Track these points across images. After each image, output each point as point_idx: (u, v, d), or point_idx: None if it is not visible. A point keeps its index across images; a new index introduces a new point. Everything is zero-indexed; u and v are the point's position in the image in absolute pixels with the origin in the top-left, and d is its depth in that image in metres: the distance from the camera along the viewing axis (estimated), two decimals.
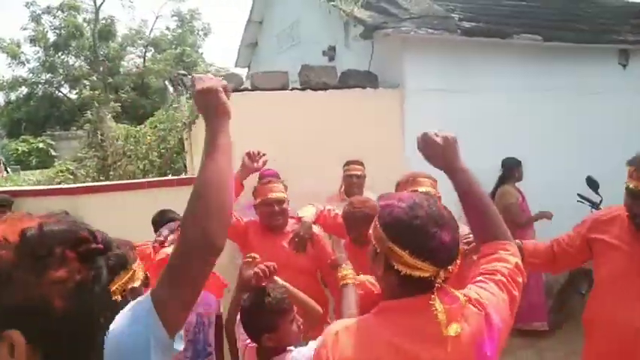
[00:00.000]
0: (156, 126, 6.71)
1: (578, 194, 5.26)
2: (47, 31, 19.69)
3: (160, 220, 3.47)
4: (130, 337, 1.01)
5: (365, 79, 5.11)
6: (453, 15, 5.48)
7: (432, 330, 1.27)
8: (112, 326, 0.97)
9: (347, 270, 2.16)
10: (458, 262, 1.36)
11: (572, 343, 4.46)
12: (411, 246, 1.30)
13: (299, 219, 3.20)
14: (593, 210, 5.22)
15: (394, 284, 1.35)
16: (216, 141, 1.22)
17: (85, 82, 20.50)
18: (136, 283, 1.09)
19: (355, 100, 4.97)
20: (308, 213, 3.25)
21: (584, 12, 7.30)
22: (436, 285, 1.31)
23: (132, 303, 1.05)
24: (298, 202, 4.19)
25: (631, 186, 2.13)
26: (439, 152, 1.62)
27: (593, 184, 5.24)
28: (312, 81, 4.96)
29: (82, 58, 20.17)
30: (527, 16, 6.35)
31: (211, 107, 1.28)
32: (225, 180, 1.16)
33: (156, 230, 3.37)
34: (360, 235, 2.67)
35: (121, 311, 1.01)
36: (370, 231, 1.43)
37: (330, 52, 6.08)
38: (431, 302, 1.28)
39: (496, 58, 5.64)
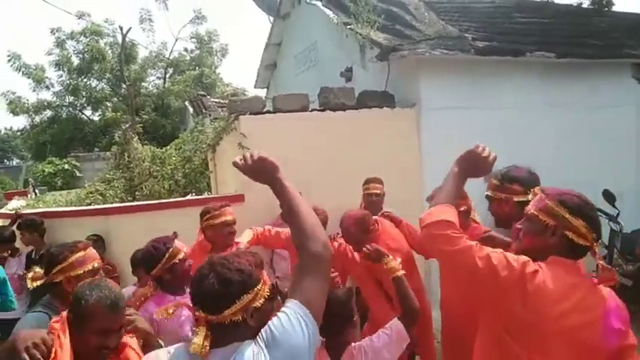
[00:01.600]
0: (181, 147, 6.95)
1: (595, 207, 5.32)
2: (71, 56, 20.33)
3: None
4: (302, 338, 1.46)
5: (382, 99, 5.28)
6: (466, 35, 5.64)
7: (586, 282, 1.83)
8: (277, 332, 1.44)
9: (392, 262, 2.60)
10: None
11: None
12: (587, 220, 1.83)
13: (237, 243, 3.48)
14: (611, 223, 5.28)
15: (561, 248, 1.84)
16: (290, 194, 1.84)
17: (108, 104, 21.08)
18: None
19: (373, 120, 5.14)
20: (244, 237, 3.65)
21: (598, 27, 7.41)
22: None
23: (288, 311, 1.49)
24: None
25: (487, 193, 2.73)
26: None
27: (610, 197, 5.30)
28: (330, 102, 5.15)
29: (105, 80, 20.75)
30: (541, 33, 6.48)
31: (266, 172, 1.84)
32: (314, 216, 1.78)
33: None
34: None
35: (279, 317, 1.47)
36: (537, 211, 1.91)
37: (348, 74, 6.27)
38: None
39: (510, 74, 5.77)
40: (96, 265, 2.31)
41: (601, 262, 1.87)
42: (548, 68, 5.92)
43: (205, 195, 6.62)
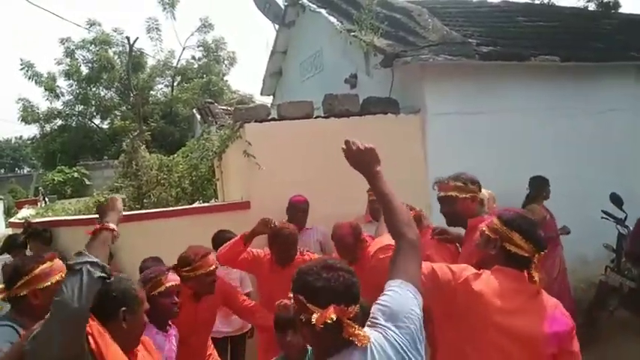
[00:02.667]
0: (187, 155, 7.01)
1: (603, 211, 5.30)
2: (80, 65, 20.59)
3: (217, 238, 4.09)
4: (414, 303, 1.62)
5: (386, 106, 5.29)
6: (470, 40, 5.65)
7: (528, 289, 2.04)
8: (391, 305, 1.57)
9: None
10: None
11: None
12: (522, 233, 2.05)
13: None
14: (618, 226, 5.25)
15: (502, 259, 2.07)
16: (387, 188, 1.95)
17: (116, 112, 21.31)
18: None
19: (377, 126, 5.15)
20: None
21: (603, 30, 7.38)
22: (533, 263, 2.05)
23: (395, 288, 1.64)
24: (324, 224, 4.40)
25: (450, 194, 3.01)
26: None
27: (617, 200, 5.28)
28: (335, 109, 5.17)
29: (113, 89, 20.99)
30: (545, 37, 6.48)
31: (369, 164, 1.95)
32: (406, 209, 1.95)
33: (215, 247, 3.80)
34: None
35: (388, 294, 1.61)
36: (485, 227, 2.18)
37: (352, 80, 6.29)
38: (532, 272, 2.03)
39: (514, 79, 5.77)
40: (63, 276, 2.03)
41: (537, 273, 2.07)
42: (553, 72, 5.91)
43: (212, 202, 6.67)
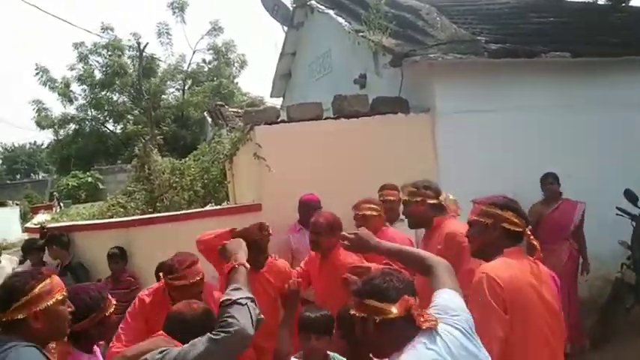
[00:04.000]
0: (199, 158, 7.07)
1: (617, 207, 5.24)
2: (94, 70, 20.83)
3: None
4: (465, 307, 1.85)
5: (396, 105, 5.29)
6: (479, 38, 5.62)
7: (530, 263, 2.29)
8: (444, 301, 1.80)
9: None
10: None
11: (618, 358, 4.44)
12: (514, 210, 2.33)
13: None
14: (633, 223, 5.19)
15: (503, 238, 2.30)
16: (394, 248, 2.45)
17: (129, 116, 21.52)
18: None
19: (387, 126, 5.15)
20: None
21: (614, 24, 7.29)
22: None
23: (444, 292, 1.86)
24: None
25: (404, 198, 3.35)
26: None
27: (632, 197, 5.21)
28: (344, 109, 5.17)
29: (126, 94, 21.20)
30: (555, 33, 6.41)
31: (366, 245, 2.45)
32: (412, 249, 2.52)
33: None
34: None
35: (441, 296, 1.83)
36: (476, 216, 2.39)
37: (361, 80, 6.29)
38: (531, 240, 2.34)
39: (525, 75, 5.72)
40: (64, 294, 1.95)
41: (532, 238, 2.34)
42: (565, 68, 5.85)
43: (225, 204, 6.72)
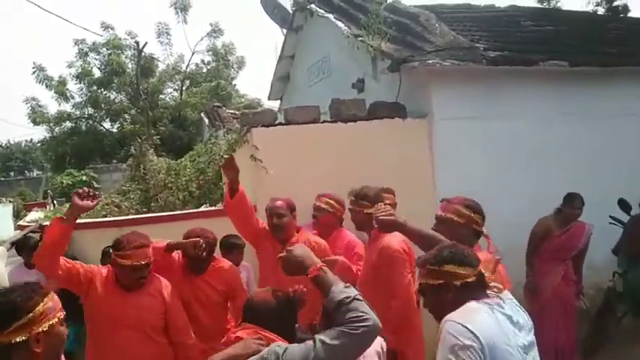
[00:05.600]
0: (195, 159, 7.05)
1: (610, 216, 5.27)
2: (92, 68, 20.74)
3: (224, 243, 4.38)
4: None
5: (393, 110, 5.29)
6: (477, 45, 5.64)
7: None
8: None
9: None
10: None
11: None
12: (480, 214, 2.78)
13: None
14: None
15: (471, 236, 2.71)
16: (422, 230, 2.63)
17: (126, 115, 21.43)
18: None
19: (384, 131, 5.16)
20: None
21: (613, 34, 7.33)
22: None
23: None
24: None
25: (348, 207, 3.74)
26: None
27: (625, 206, 5.24)
28: (342, 113, 5.18)
29: (124, 93, 21.10)
30: (553, 41, 6.44)
31: (394, 224, 2.69)
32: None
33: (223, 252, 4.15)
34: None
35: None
36: (450, 214, 2.73)
37: (359, 85, 6.30)
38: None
39: (523, 83, 5.75)
40: (63, 312, 1.74)
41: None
42: (563, 77, 5.87)
43: (219, 206, 6.69)
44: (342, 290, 1.79)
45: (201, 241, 3.36)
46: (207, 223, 4.82)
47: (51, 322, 1.64)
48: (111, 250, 3.09)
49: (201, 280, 3.52)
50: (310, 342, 1.70)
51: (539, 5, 10.00)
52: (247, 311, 2.09)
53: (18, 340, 1.56)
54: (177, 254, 3.61)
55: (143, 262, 2.95)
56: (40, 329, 1.60)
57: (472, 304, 1.89)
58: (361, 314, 1.72)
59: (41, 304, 1.63)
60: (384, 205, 2.72)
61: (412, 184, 4.93)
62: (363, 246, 3.90)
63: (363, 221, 3.44)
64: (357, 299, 1.76)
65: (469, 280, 1.92)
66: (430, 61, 5.12)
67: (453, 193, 3.79)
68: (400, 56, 5.21)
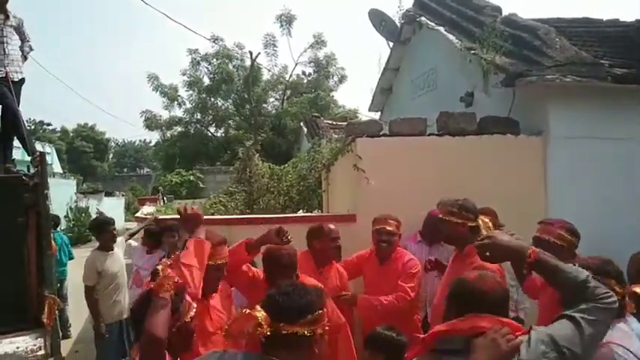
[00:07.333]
0: (297, 166, 7.26)
1: None
2: (203, 76, 22.23)
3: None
4: None
5: (505, 126, 5.08)
6: (602, 61, 5.27)
7: None
8: None
9: None
10: None
11: None
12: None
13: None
14: None
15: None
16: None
17: (230, 122, 22.65)
18: None
19: (495, 147, 4.97)
20: None
21: None
22: None
23: None
24: None
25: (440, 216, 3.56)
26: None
27: None
28: (450, 127, 5.06)
29: (230, 100, 22.35)
30: None
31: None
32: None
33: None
34: None
35: None
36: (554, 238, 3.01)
37: (468, 98, 6.12)
38: None
39: None
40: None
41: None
42: None
43: (316, 212, 6.82)
44: (576, 268, 1.80)
45: (285, 230, 3.16)
46: (306, 228, 4.94)
47: (326, 327, 1.70)
48: None
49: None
50: (564, 320, 1.68)
51: None
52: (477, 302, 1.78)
53: (300, 332, 1.61)
54: (260, 271, 3.31)
55: (222, 262, 2.89)
56: (322, 330, 1.67)
57: (623, 326, 2.04)
58: (608, 290, 1.77)
59: (324, 307, 1.71)
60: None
61: (521, 204, 4.68)
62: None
63: (462, 234, 3.23)
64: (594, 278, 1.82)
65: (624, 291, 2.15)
66: (549, 77, 4.86)
67: (566, 215, 3.55)
68: (516, 70, 5.01)
